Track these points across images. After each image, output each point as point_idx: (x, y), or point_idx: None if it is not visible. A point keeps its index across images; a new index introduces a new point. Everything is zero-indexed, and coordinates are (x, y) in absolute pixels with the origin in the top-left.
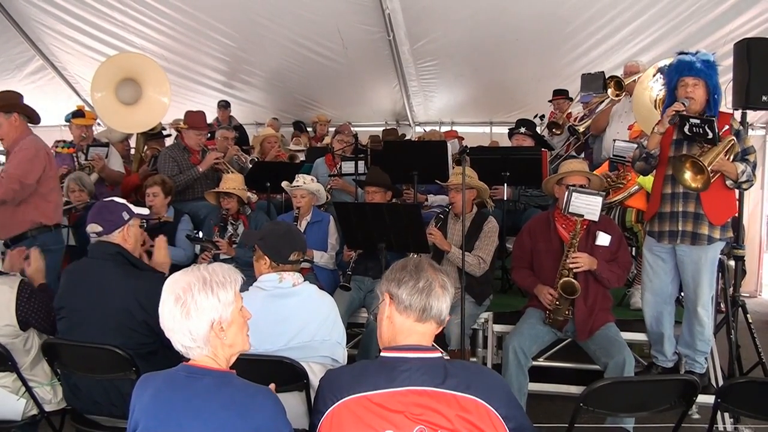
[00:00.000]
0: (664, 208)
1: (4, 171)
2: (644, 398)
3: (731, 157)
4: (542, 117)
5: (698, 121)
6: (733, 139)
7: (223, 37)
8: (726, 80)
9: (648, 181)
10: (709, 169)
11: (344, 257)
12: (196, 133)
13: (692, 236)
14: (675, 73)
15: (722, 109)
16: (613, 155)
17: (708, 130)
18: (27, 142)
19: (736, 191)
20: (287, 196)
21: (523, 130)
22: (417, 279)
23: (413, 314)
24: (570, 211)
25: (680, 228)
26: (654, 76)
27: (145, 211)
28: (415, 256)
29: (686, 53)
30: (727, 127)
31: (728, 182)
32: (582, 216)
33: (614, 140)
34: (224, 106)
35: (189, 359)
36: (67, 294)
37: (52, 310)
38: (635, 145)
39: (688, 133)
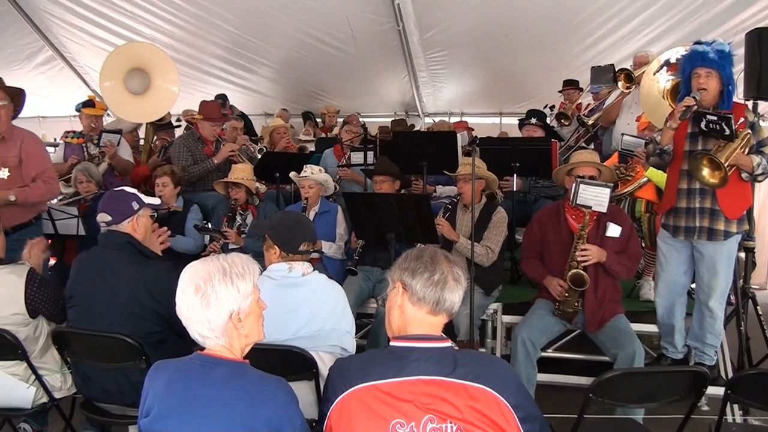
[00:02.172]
0: (680, 203)
1: (29, 169)
2: (654, 389)
3: (746, 150)
4: (552, 108)
5: (715, 118)
6: (749, 133)
7: (231, 27)
8: (737, 70)
9: (656, 173)
10: (726, 165)
11: (352, 244)
12: (211, 124)
13: (709, 232)
14: (688, 64)
15: (735, 99)
16: (622, 149)
17: (725, 127)
18: (28, 134)
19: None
20: (296, 187)
21: (533, 120)
22: (432, 271)
23: (426, 306)
24: (578, 202)
25: (697, 224)
26: (660, 68)
27: (155, 200)
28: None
29: (701, 43)
30: (742, 119)
31: (744, 175)
32: (590, 207)
33: (622, 134)
34: (221, 104)
35: (201, 348)
36: (78, 283)
37: (60, 299)
38: (643, 140)
39: (704, 129)
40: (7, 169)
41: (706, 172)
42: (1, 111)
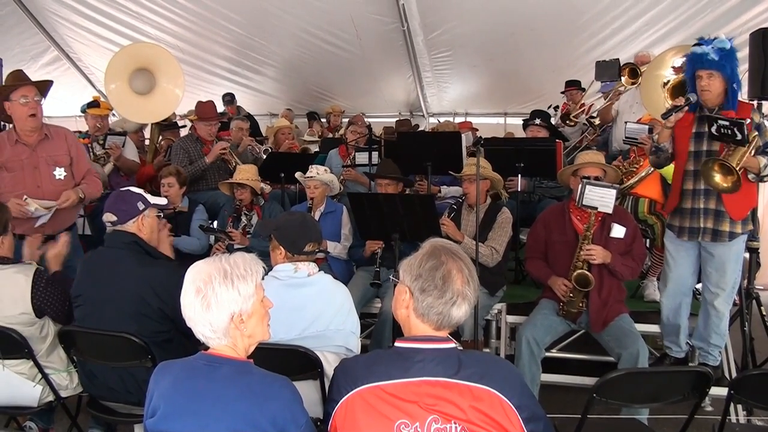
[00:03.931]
0: (684, 203)
1: (80, 167)
2: (657, 390)
3: (753, 152)
4: (556, 108)
5: (727, 123)
6: (756, 134)
7: (236, 28)
8: (742, 70)
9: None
10: (738, 170)
11: (366, 253)
12: (206, 123)
13: (713, 233)
14: (690, 66)
15: (740, 99)
16: (625, 137)
17: (737, 132)
18: (68, 131)
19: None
20: (301, 187)
21: (537, 121)
22: (443, 291)
23: (430, 324)
24: (584, 203)
25: (702, 225)
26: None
27: (162, 201)
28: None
29: (702, 43)
30: (748, 120)
31: (750, 176)
32: (596, 208)
33: (625, 122)
34: (230, 101)
35: (206, 347)
36: (84, 282)
37: (67, 300)
38: (646, 126)
39: (715, 133)
40: (62, 169)
41: (718, 178)
42: (38, 108)
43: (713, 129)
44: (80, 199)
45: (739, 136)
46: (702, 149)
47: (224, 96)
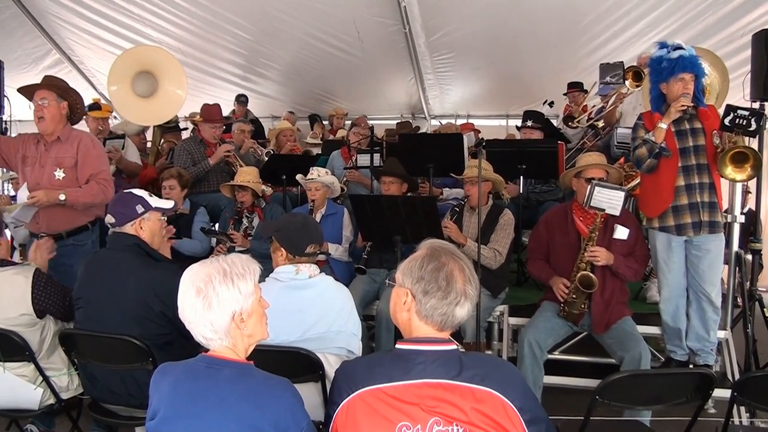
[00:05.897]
0: (680, 200)
1: (84, 171)
2: (660, 391)
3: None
4: (551, 104)
5: (747, 113)
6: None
7: (239, 31)
8: (744, 72)
9: None
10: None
11: (358, 243)
12: (211, 126)
13: (710, 225)
14: (678, 68)
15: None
16: (617, 142)
17: (753, 122)
18: (86, 136)
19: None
20: (303, 189)
21: (529, 123)
22: (446, 292)
23: (433, 325)
24: (592, 204)
25: (702, 218)
26: None
27: (166, 204)
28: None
29: (682, 47)
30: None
31: None
32: (603, 210)
33: (616, 127)
34: (243, 102)
35: (206, 350)
36: (86, 284)
37: (67, 297)
38: None
39: (727, 124)
40: (62, 170)
41: (730, 170)
42: (44, 110)
43: (726, 120)
44: (60, 200)
45: (753, 127)
46: (688, 145)
47: (239, 96)
